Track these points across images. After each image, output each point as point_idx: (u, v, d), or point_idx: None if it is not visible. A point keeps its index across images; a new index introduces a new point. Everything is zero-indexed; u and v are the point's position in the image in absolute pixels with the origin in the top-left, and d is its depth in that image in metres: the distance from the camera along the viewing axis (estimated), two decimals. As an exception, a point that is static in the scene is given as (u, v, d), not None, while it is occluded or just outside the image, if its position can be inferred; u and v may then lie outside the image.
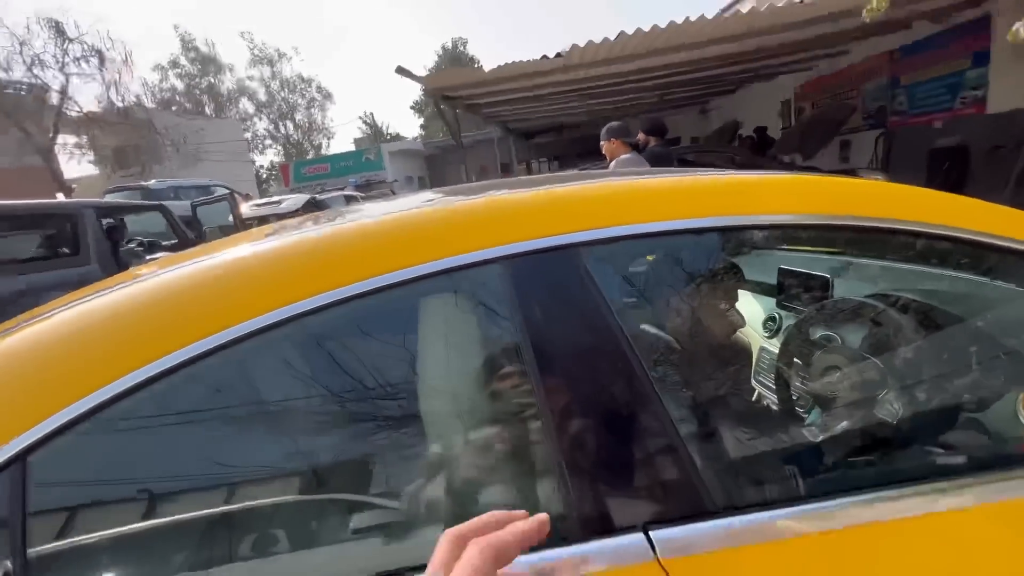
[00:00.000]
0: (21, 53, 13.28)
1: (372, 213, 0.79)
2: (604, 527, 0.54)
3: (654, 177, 0.87)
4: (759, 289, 1.49)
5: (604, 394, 0.59)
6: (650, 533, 0.53)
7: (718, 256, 1.07)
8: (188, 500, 0.63)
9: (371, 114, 40.62)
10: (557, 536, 0.54)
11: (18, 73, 13.37)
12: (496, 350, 0.69)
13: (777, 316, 1.41)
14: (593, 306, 0.61)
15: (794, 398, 1.15)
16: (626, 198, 0.77)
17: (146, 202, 6.15)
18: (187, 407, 0.62)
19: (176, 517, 0.61)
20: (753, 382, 1.39)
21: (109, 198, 9.04)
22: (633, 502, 0.56)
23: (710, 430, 0.73)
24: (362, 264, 0.62)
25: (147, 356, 0.56)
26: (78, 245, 3.96)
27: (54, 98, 13.74)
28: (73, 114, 14.28)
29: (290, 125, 31.22)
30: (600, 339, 0.60)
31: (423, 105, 29.70)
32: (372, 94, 75.47)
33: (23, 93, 13.35)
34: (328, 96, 32.32)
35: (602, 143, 3.10)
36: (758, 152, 7.24)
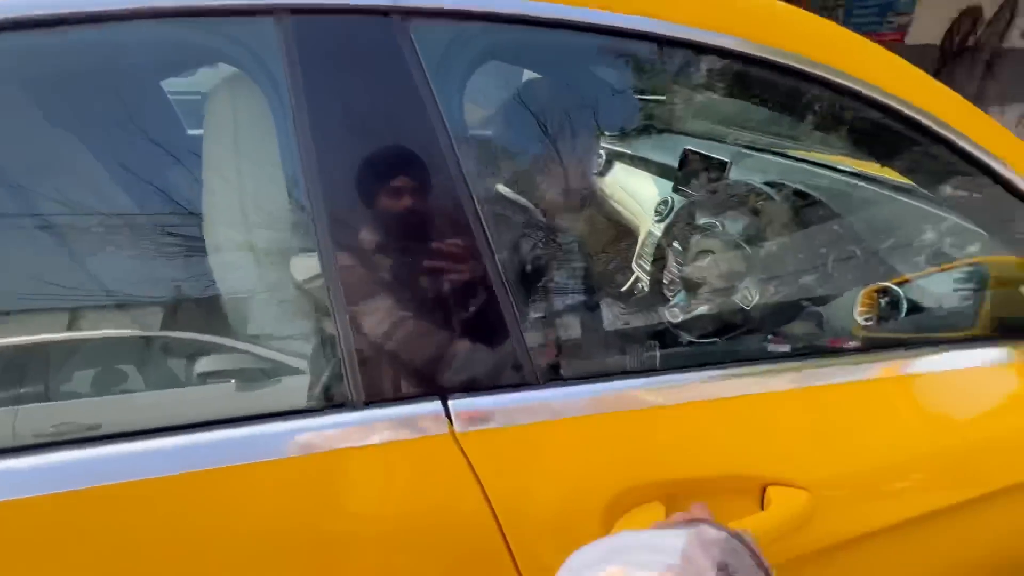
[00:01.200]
0: None
1: None
2: (392, 392, 0.45)
3: None
4: (658, 171, 1.41)
5: (409, 223, 0.46)
6: (448, 403, 0.45)
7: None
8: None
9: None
10: (331, 401, 0.44)
11: None
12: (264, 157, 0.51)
13: (670, 200, 1.36)
14: (413, 102, 0.45)
15: (665, 282, 1.14)
16: None
17: None
18: None
19: None
20: (634, 265, 1.37)
21: None
22: (433, 366, 0.46)
23: (550, 299, 0.65)
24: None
25: None
26: None
27: None
28: None
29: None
30: (420, 151, 0.46)
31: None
32: None
33: None
34: None
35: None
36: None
